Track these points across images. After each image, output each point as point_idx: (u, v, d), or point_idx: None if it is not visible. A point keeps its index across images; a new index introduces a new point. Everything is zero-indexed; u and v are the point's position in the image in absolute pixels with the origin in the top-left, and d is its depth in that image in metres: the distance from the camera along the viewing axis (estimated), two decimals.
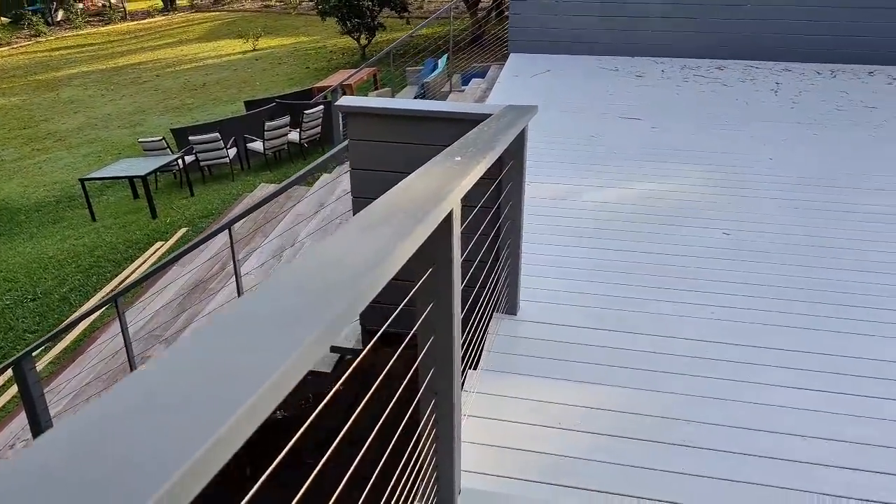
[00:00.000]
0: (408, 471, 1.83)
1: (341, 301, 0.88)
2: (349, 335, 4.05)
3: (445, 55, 10.77)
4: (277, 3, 32.43)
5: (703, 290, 3.56)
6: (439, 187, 1.61)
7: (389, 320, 1.47)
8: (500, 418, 2.60)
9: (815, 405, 2.67)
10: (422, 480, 1.95)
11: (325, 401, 1.15)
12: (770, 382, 2.81)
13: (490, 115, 2.84)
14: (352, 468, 1.47)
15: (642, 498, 2.21)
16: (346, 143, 3.37)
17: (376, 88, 14.13)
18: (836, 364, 2.94)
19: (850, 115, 6.39)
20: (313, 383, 4.42)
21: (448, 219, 1.66)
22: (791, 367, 2.91)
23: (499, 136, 2.33)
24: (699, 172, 5.13)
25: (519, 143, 3.02)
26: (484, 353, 3.03)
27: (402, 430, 1.85)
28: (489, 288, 3.07)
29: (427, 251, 1.70)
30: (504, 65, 8.50)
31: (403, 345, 1.61)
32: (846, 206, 4.52)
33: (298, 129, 11.58)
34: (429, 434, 1.93)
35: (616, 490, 2.24)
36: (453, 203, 1.64)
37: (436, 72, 10.96)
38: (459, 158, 1.93)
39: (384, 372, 1.90)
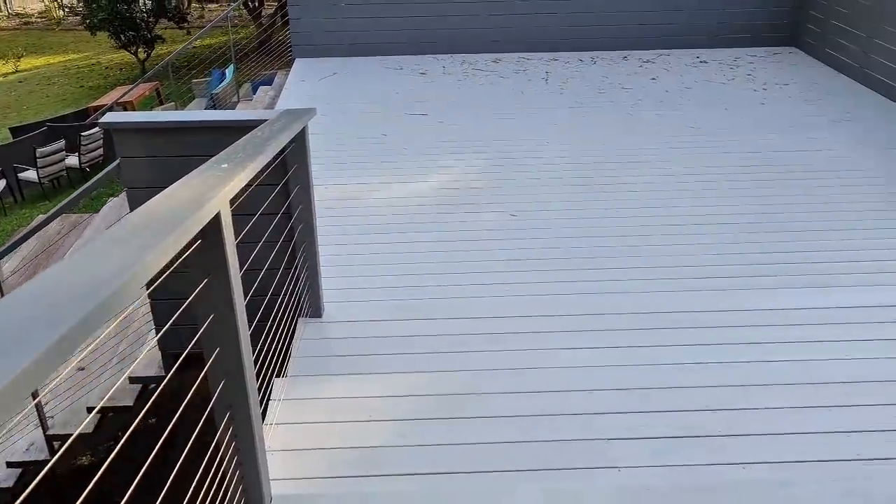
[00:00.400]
0: (207, 486, 1.78)
1: (69, 318, 0.85)
2: (150, 362, 3.84)
3: (233, 64, 10.44)
4: (38, 20, 29.54)
5: (495, 270, 3.78)
6: (201, 194, 1.58)
7: (161, 333, 1.43)
8: (309, 421, 2.60)
9: (599, 361, 2.95)
10: (227, 494, 1.91)
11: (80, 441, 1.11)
12: (558, 346, 3.06)
13: (265, 120, 2.82)
14: (161, 494, 1.42)
15: (446, 473, 2.32)
16: (117, 162, 3.18)
17: (161, 103, 13.37)
18: (612, 321, 3.26)
19: (610, 97, 7.05)
20: (117, 420, 4.14)
21: (215, 225, 1.64)
22: (576, 331, 3.19)
23: (271, 140, 2.32)
24: (484, 161, 5.42)
25: (300, 146, 3.02)
26: (291, 359, 3.01)
27: (205, 448, 1.80)
28: (288, 293, 3.05)
29: (197, 261, 1.67)
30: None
31: (180, 361, 1.57)
32: (612, 179, 4.99)
33: (77, 153, 10.68)
34: (227, 446, 1.90)
35: (422, 470, 2.34)
36: (218, 208, 1.62)
37: (224, 82, 10.56)
38: (226, 165, 1.90)
39: (179, 394, 1.84)
